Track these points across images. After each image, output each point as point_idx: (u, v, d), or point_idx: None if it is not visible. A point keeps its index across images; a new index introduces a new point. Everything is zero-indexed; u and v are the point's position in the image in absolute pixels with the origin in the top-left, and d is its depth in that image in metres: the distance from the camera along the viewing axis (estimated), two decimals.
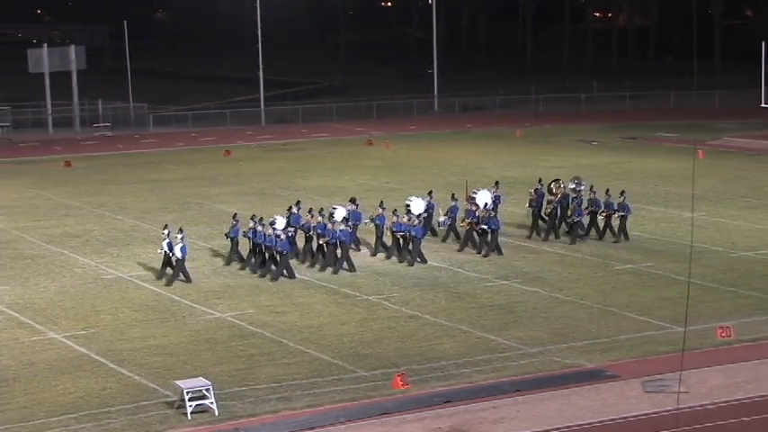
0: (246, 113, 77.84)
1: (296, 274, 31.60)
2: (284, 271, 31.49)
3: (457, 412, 21.55)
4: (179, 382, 21.89)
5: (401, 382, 22.78)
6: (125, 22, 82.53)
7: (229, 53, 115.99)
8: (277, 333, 26.72)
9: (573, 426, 20.84)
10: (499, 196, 37.56)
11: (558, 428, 20.74)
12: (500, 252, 34.27)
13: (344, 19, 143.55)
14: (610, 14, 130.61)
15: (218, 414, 21.42)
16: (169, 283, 30.91)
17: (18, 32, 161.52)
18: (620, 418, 21.21)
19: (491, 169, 52.37)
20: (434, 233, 36.47)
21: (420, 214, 34.09)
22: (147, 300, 29.92)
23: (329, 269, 32.24)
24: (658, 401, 21.87)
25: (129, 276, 32.37)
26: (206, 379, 22.06)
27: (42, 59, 74.63)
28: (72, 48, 77.20)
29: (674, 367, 23.29)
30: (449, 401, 22.06)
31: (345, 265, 32.29)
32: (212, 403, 21.49)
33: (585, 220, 36.38)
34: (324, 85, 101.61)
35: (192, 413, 21.28)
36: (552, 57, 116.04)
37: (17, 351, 25.60)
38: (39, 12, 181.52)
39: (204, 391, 21.48)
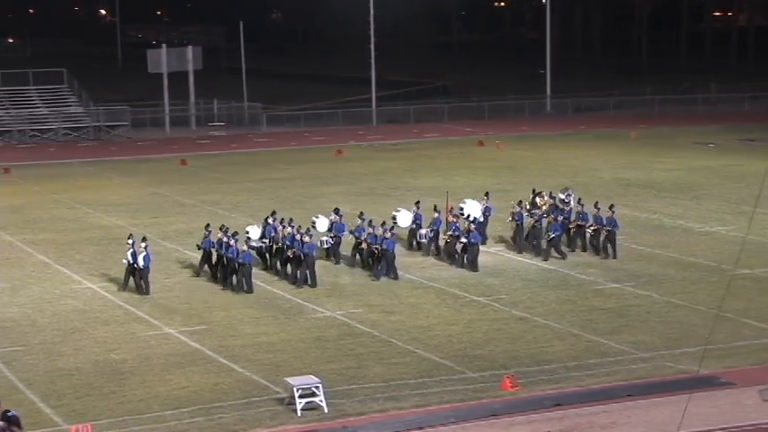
0: (358, 113, 78.30)
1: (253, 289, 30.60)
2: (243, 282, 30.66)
3: (567, 416, 21.32)
4: (289, 380, 22.11)
5: (510, 384, 22.65)
6: (241, 22, 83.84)
7: (342, 53, 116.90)
8: (386, 332, 26.80)
9: None
10: (490, 207, 35.84)
11: None
12: (475, 269, 32.56)
13: (457, 19, 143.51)
14: (730, 14, 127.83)
15: (328, 412, 21.57)
16: (147, 292, 30.50)
17: (139, 33, 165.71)
18: (735, 427, 20.70)
19: (604, 171, 51.67)
20: (419, 246, 34.90)
21: (393, 227, 32.76)
22: (258, 297, 30.32)
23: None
24: None
25: None
26: (316, 377, 22.24)
27: (161, 60, 76.33)
28: (189, 48, 78.82)
29: None
30: (559, 405, 21.84)
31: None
32: (321, 401, 21.65)
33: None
34: (436, 85, 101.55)
35: (301, 410, 21.47)
36: (668, 57, 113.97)
37: (134, 345, 26.21)
38: (159, 13, 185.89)
39: (314, 389, 21.65)
